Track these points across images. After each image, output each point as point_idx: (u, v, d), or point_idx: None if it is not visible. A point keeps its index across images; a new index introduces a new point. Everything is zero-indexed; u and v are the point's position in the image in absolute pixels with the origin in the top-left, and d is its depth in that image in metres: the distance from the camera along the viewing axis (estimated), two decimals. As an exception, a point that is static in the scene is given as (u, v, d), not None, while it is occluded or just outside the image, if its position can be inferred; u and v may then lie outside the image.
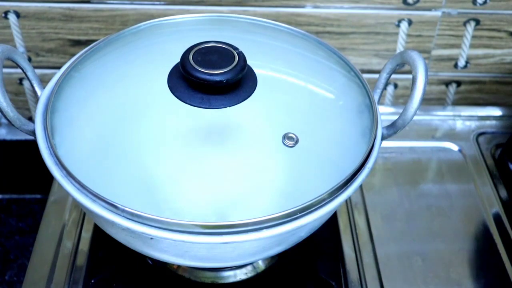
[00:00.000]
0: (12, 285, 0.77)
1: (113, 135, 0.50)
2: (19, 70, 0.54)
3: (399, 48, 0.77)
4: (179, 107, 0.50)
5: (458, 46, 0.77)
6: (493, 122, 0.80)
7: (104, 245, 0.62)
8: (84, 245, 0.63)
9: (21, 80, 0.78)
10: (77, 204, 0.66)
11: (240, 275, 0.60)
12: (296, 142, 0.50)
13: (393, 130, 0.52)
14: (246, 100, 0.50)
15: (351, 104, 0.55)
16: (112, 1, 0.72)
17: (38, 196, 0.86)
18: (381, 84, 0.56)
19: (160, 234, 0.44)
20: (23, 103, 0.81)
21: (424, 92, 0.49)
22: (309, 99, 0.54)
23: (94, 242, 0.63)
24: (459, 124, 0.80)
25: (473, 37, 0.76)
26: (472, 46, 0.77)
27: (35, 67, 0.64)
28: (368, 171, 0.49)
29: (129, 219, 0.45)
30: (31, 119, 0.81)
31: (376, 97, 0.56)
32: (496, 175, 0.73)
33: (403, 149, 0.76)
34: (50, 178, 0.55)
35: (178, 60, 0.51)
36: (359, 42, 0.76)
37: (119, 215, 0.45)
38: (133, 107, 0.52)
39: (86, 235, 0.64)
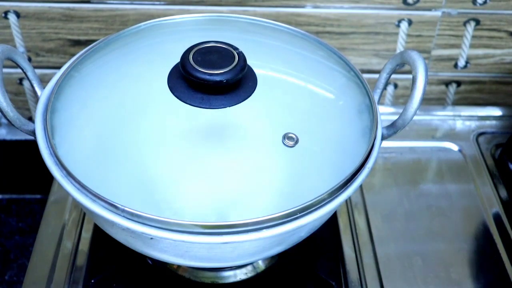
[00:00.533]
0: (12, 285, 0.77)
1: (113, 135, 0.50)
2: (19, 70, 0.54)
3: (399, 48, 0.77)
4: (179, 107, 0.50)
5: (458, 46, 0.77)
6: (493, 122, 0.80)
7: (104, 245, 0.62)
8: (84, 245, 0.63)
9: (21, 80, 0.78)
10: (77, 204, 0.66)
11: (240, 275, 0.60)
12: (296, 142, 0.50)
13: (393, 130, 0.52)
14: (246, 100, 0.50)
15: (351, 104, 0.55)
16: (112, 1, 0.72)
17: (38, 196, 0.86)
18: (381, 84, 0.56)
19: (160, 234, 0.44)
20: (23, 103, 0.81)
21: (424, 92, 0.49)
22: (309, 99, 0.54)
23: (94, 242, 0.63)
24: (459, 124, 0.80)
25: (473, 37, 0.76)
26: (472, 46, 0.77)
27: (35, 67, 0.64)
28: (368, 171, 0.49)
29: (129, 219, 0.45)
30: (31, 119, 0.81)
31: (376, 97, 0.56)
32: (496, 175, 0.73)
33: (403, 149, 0.76)
34: (50, 178, 0.55)
35: (178, 60, 0.51)
36: (359, 42, 0.76)
37: (119, 215, 0.45)
38: (133, 107, 0.52)
39: (86, 235, 0.64)
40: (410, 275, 0.62)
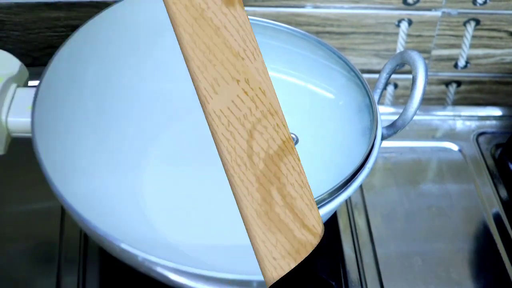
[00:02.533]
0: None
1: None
2: (19, 70, 0.54)
3: (399, 48, 0.77)
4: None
5: (458, 46, 0.77)
6: (493, 122, 0.80)
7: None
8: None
9: (21, 80, 0.78)
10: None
11: (240, 275, 0.60)
12: (296, 142, 0.50)
13: (393, 130, 0.52)
14: (246, 100, 0.50)
15: (351, 104, 0.55)
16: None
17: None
18: (381, 84, 0.56)
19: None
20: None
21: (424, 92, 0.49)
22: (309, 99, 0.55)
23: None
24: (459, 124, 0.79)
25: (473, 37, 0.76)
26: (472, 46, 0.77)
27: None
28: (368, 171, 0.49)
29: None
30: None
31: (376, 97, 0.56)
32: (496, 175, 0.73)
33: (403, 149, 0.76)
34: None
35: (178, 60, 0.51)
36: (359, 42, 0.76)
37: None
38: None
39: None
40: (410, 275, 0.62)
